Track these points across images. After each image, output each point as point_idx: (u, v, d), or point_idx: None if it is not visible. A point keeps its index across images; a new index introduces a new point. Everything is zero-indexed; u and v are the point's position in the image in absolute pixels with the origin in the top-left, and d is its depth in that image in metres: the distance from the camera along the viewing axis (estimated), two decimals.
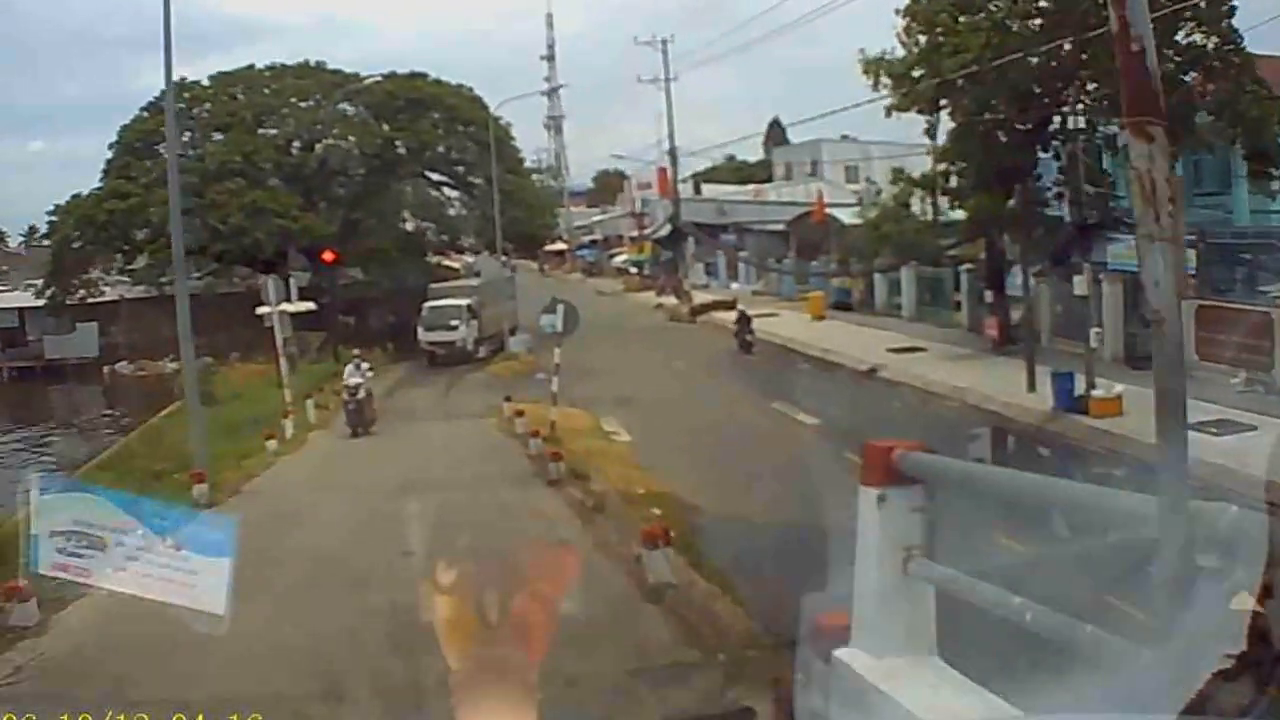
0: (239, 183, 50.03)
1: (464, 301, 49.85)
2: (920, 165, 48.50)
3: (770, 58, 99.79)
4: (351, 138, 53.84)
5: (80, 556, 4.68)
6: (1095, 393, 31.13)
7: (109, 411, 50.66)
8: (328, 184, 54.64)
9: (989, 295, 43.53)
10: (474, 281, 54.24)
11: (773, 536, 19.14)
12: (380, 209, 54.67)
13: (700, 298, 59.85)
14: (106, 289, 52.54)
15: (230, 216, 48.95)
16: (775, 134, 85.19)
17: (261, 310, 38.30)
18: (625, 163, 77.64)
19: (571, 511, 23.22)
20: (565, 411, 33.29)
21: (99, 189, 51.30)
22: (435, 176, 57.68)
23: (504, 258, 54.83)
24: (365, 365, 37.02)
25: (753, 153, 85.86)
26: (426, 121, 54.03)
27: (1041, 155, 41.81)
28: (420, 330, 49.49)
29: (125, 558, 4.67)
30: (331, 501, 25.65)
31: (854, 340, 45.66)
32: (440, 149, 55.61)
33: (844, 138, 70.17)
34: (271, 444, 32.40)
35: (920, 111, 43.45)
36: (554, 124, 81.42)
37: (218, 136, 52.42)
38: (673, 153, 61.88)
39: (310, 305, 44.81)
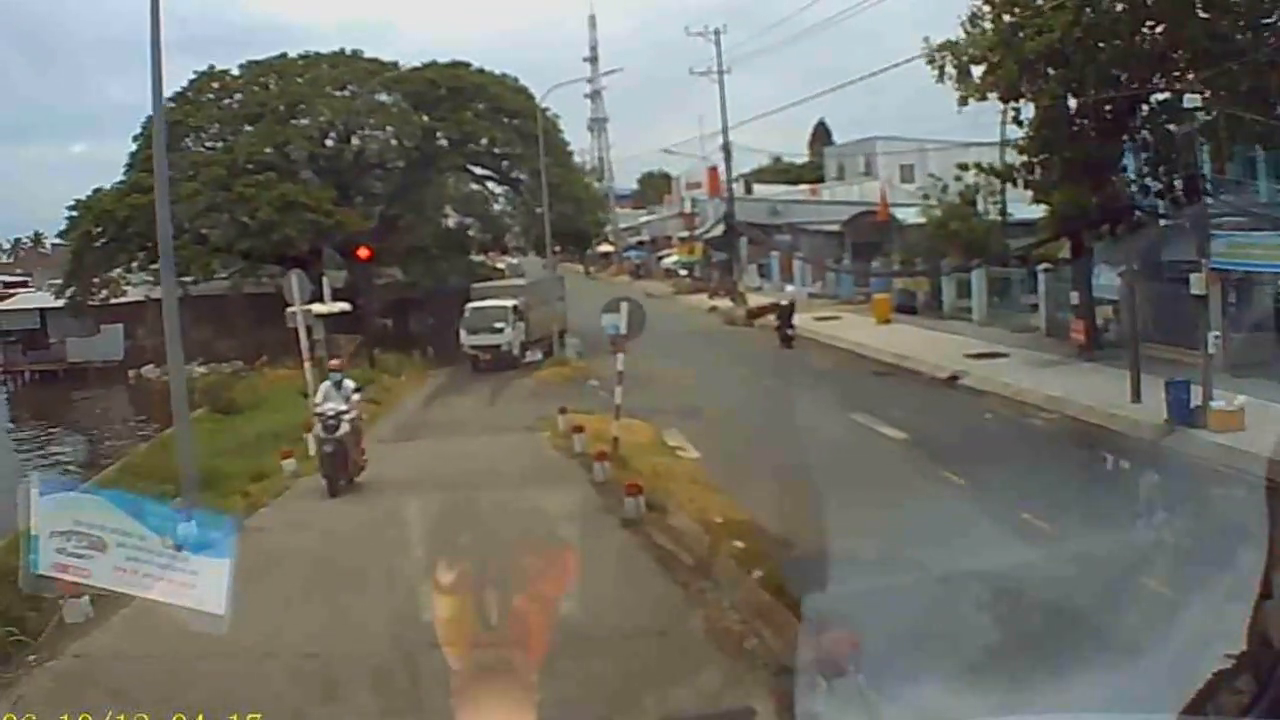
0: (269, 175, 46.43)
1: (510, 303, 45.97)
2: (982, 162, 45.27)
3: (812, 58, 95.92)
4: (389, 128, 49.93)
5: (81, 557, 4.69)
6: (1215, 404, 27.38)
7: (133, 418, 47.23)
8: (364, 178, 50.92)
9: (1074, 296, 39.84)
10: (520, 281, 50.60)
11: (896, 586, 15.00)
12: (420, 204, 50.57)
13: (755, 300, 56.24)
14: (129, 289, 48.97)
15: (259, 210, 45.32)
16: (821, 136, 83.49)
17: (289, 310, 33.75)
18: (673, 161, 74.57)
19: (664, 573, 18.22)
20: (624, 424, 29.43)
21: (121, 183, 47.64)
22: (479, 171, 53.52)
23: (548, 257, 50.71)
24: (351, 385, 26.70)
25: (796, 153, 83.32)
26: (469, 112, 49.89)
27: (1128, 145, 38.26)
28: (462, 333, 45.59)
29: (125, 558, 4.70)
30: (350, 545, 20.83)
31: (926, 345, 42.38)
32: (484, 141, 51.46)
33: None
34: (289, 464, 27.35)
35: (1002, 99, 39.71)
36: (597, 126, 79.03)
37: (248, 128, 48.71)
38: (726, 148, 58.73)
39: (344, 306, 41.22)
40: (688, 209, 71.92)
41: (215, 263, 45.83)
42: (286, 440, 29.19)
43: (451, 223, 53.77)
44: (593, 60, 74.55)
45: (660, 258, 76.82)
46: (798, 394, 35.67)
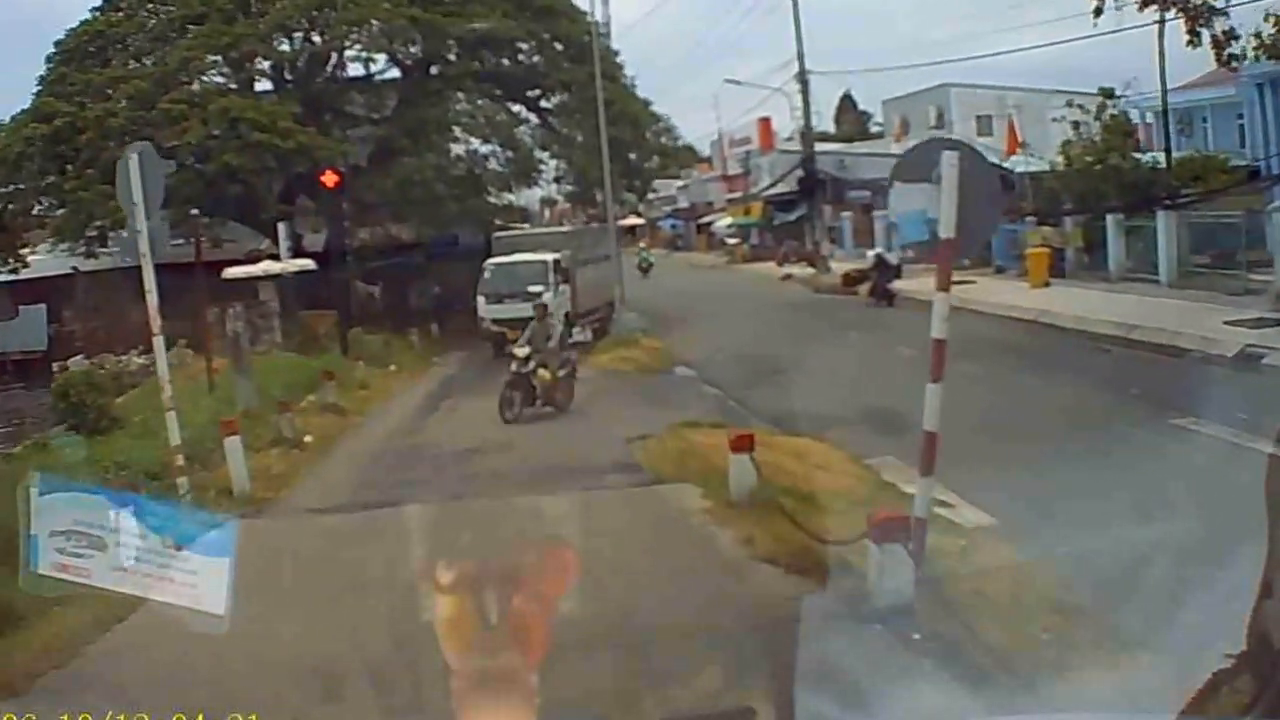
0: (205, 87, 30.22)
1: (549, 257, 28.92)
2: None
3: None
4: (376, 27, 32.51)
5: (80, 557, 4.13)
6: None
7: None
8: (344, 94, 33.68)
9: None
10: (564, 227, 33.74)
11: None
12: (419, 128, 33.10)
13: (838, 266, 41.48)
14: (39, 256, 33.73)
15: (189, 132, 28.70)
16: (848, 107, 68.20)
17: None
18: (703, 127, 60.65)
19: None
20: (795, 444, 15.03)
21: (21, 114, 31.62)
22: (498, 91, 35.68)
23: (605, 193, 33.03)
24: None
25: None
26: (485, 9, 32.91)
27: None
28: (480, 301, 28.48)
29: (125, 558, 4.13)
30: None
31: (1141, 311, 26.65)
32: (505, 51, 34.39)
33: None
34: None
35: None
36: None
37: (189, 33, 32.22)
38: (803, 76, 42.85)
39: (305, 264, 25.17)
40: (732, 170, 57.48)
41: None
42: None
43: (462, 151, 36.03)
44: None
45: (701, 226, 62.80)
46: (1031, 384, 20.82)
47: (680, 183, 64.93)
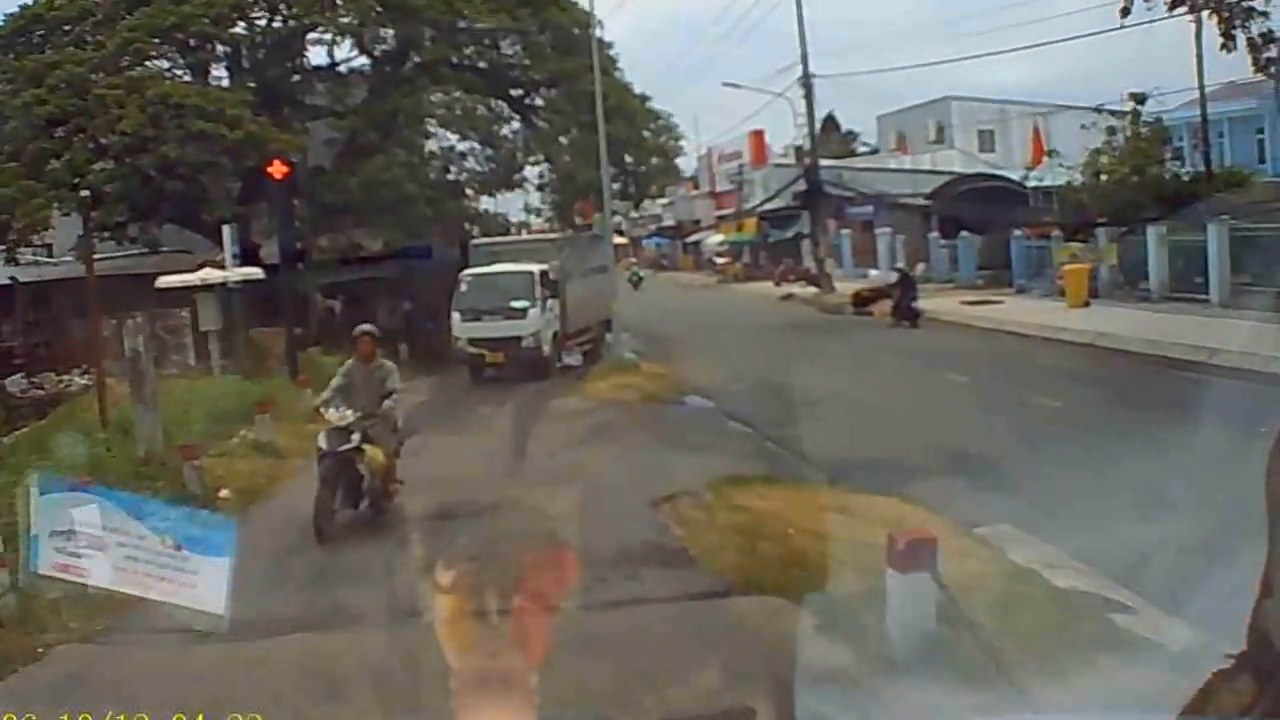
0: (145, 70, 26.17)
1: (534, 268, 24.53)
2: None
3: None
4: (342, 5, 28.31)
5: (81, 556, 4.08)
6: None
7: None
8: (306, 84, 29.77)
9: None
10: (550, 235, 29.44)
11: None
12: (389, 123, 28.90)
13: (842, 285, 38.07)
14: None
15: (125, 119, 24.49)
16: (830, 128, 65.88)
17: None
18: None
19: None
20: (868, 504, 10.78)
21: None
22: (479, 82, 31.31)
23: (606, 194, 28.45)
24: None
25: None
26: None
27: None
28: (456, 318, 24.22)
29: (125, 557, 4.03)
30: None
31: (1218, 335, 22.45)
32: (486, 39, 30.29)
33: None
34: None
35: None
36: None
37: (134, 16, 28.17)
38: (806, 79, 39.72)
39: (252, 272, 21.15)
40: (721, 186, 56.21)
41: (51, 210, 25.06)
42: None
43: (437, 148, 31.37)
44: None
45: (688, 244, 60.82)
46: (1132, 423, 16.06)
47: (665, 200, 62.25)
